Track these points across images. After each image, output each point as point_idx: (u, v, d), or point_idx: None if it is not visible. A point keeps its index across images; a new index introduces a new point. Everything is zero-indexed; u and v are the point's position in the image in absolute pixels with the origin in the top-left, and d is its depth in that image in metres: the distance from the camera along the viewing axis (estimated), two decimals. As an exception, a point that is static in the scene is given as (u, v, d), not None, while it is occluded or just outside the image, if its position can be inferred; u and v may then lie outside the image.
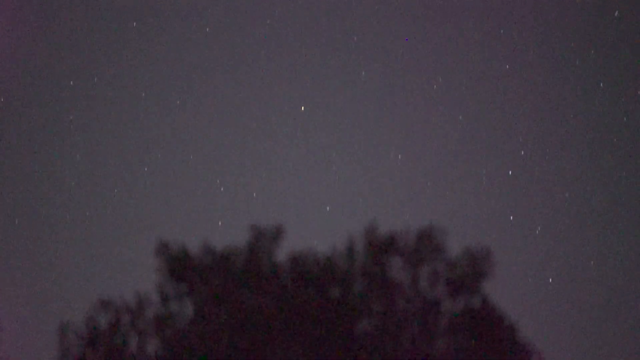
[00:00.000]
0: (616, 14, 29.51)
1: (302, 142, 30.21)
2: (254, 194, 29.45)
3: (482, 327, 28.20)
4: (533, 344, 27.96)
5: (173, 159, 29.24)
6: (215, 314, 27.33)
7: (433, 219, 29.35)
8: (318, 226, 29.48)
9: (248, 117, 30.00)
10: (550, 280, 29.61)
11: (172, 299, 27.22)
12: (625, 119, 30.01)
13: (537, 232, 30.12)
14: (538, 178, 30.39)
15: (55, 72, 30.06)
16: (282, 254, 28.16)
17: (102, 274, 27.56)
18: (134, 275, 27.49)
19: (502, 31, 30.13)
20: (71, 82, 29.75)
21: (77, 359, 27.17)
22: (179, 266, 27.11)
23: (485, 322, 28.19)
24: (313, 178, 30.08)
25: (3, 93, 29.12)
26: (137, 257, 27.71)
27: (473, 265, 28.46)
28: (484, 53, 30.09)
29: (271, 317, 27.58)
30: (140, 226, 28.60)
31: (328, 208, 29.83)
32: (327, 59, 30.16)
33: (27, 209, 28.64)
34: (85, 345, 27.11)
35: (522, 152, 30.63)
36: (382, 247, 28.58)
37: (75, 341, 27.11)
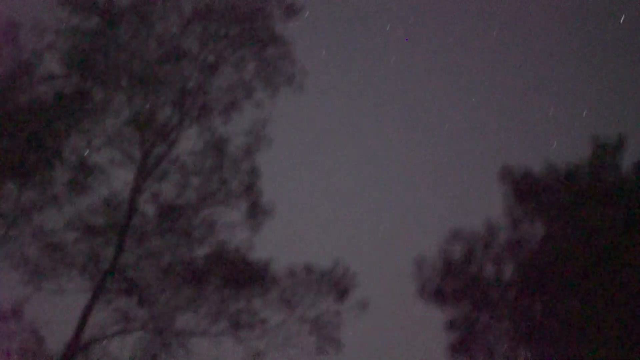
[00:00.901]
0: None
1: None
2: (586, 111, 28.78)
3: None
4: None
5: (513, 87, 29.25)
6: (563, 233, 27.09)
7: None
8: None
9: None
10: None
11: (521, 222, 27.32)
12: None
13: None
14: None
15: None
16: (625, 164, 27.41)
17: (453, 204, 28.13)
18: (483, 203, 27.85)
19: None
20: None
21: (433, 291, 28.05)
22: (525, 188, 27.10)
23: None
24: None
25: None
26: (483, 184, 28.04)
27: None
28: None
29: (618, 230, 26.91)
30: (483, 153, 28.89)
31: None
32: None
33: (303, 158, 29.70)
34: (441, 276, 27.91)
35: None
36: None
37: (431, 273, 27.98)
